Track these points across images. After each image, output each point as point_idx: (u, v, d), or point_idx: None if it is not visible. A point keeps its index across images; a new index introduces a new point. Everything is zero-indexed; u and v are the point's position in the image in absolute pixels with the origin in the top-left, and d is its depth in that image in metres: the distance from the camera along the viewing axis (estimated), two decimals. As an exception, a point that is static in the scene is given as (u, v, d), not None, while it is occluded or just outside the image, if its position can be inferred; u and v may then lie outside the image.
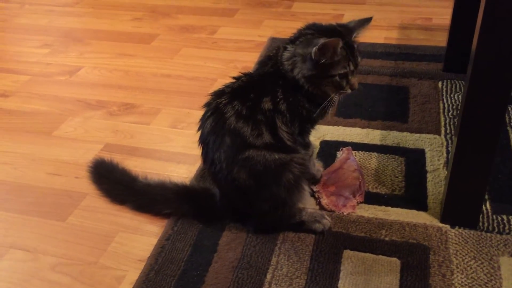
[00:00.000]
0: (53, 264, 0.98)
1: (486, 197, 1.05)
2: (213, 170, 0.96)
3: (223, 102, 0.94)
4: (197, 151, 1.25)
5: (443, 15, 1.89)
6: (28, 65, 1.75)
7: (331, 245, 0.97)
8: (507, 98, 0.84)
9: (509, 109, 1.32)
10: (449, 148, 1.20)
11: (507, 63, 0.81)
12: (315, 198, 1.08)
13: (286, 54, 0.94)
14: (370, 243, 0.97)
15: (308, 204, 1.03)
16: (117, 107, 1.48)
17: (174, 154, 1.27)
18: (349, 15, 1.98)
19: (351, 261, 0.94)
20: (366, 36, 1.76)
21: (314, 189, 1.09)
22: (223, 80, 1.60)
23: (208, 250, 0.98)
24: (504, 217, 1.00)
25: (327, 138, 1.27)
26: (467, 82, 0.85)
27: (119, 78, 1.64)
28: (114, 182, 1.10)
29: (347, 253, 0.95)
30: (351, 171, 1.12)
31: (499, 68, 0.81)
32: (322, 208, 1.06)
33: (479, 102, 0.85)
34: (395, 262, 0.93)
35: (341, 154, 1.19)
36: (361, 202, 1.07)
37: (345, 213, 1.04)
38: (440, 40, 1.71)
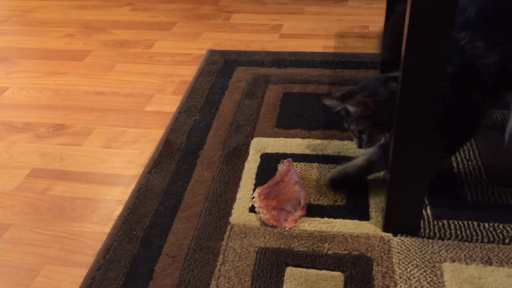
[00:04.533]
0: (-30, 306, 0.89)
1: (426, 202, 1.04)
2: None
3: None
4: (132, 171, 1.20)
5: (380, 23, 1.91)
6: None
7: (273, 263, 0.93)
8: (438, 102, 0.83)
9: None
10: (389, 155, 1.19)
11: (433, 70, 0.80)
12: (256, 213, 1.04)
13: None
14: (313, 258, 0.93)
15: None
16: (46, 128, 1.38)
17: (107, 176, 1.20)
18: (288, 25, 1.97)
19: (294, 278, 0.90)
20: (305, 46, 1.78)
21: (255, 204, 1.05)
22: (160, 95, 1.54)
23: (143, 278, 0.91)
24: (445, 222, 1.00)
25: (268, 150, 1.23)
26: (399, 88, 0.84)
27: (49, 98, 1.54)
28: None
29: (290, 270, 0.91)
30: (292, 184, 1.09)
31: (427, 74, 0.80)
32: (263, 223, 1.02)
33: (411, 107, 0.84)
34: (339, 276, 0.90)
35: (281, 167, 1.15)
36: (303, 216, 1.04)
37: (287, 228, 1.01)
38: (377, 47, 1.72)
